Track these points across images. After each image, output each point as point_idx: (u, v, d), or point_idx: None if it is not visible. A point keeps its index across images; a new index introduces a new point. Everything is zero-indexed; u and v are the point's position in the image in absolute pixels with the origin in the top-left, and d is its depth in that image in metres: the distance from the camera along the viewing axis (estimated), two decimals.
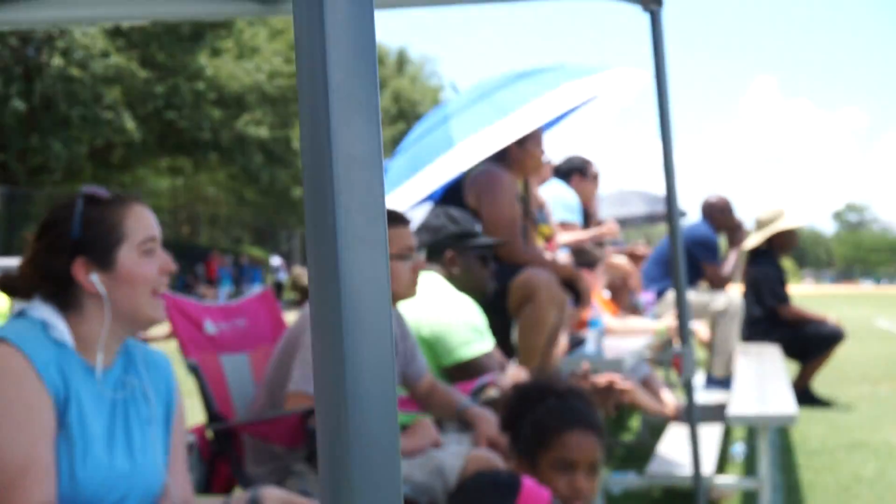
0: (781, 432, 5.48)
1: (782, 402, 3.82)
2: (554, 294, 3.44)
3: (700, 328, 6.46)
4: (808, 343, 6.85)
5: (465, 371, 2.89)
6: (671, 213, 3.08)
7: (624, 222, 9.53)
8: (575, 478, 2.04)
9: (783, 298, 6.96)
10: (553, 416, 2.10)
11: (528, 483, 1.92)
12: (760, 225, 7.13)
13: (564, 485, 2.03)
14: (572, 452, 2.05)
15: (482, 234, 3.37)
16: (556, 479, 2.03)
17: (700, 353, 6.62)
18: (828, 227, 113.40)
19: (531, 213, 4.03)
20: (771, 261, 7.06)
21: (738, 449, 4.64)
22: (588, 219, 5.63)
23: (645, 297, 6.00)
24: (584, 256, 4.77)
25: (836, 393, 7.21)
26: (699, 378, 5.69)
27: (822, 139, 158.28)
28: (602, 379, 2.89)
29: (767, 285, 6.96)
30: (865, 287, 76.36)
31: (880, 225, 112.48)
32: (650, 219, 10.50)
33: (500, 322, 3.41)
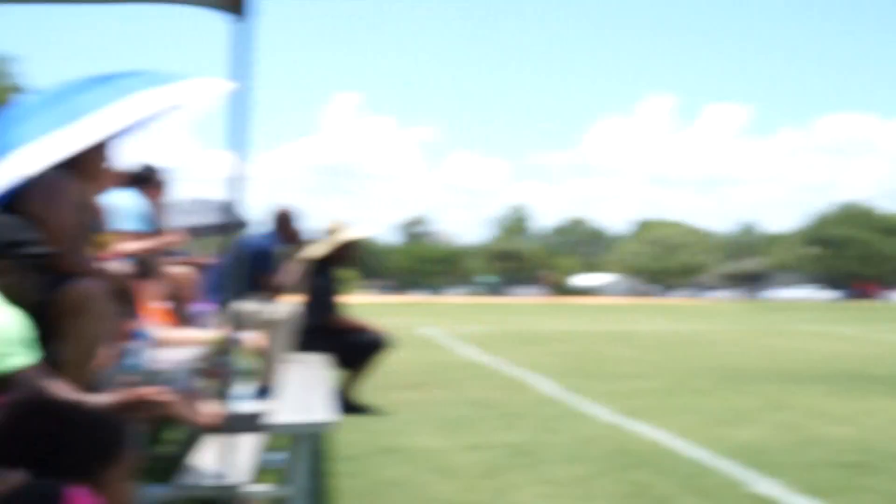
0: (320, 440, 5.88)
1: (320, 411, 4.08)
2: (101, 306, 3.45)
3: (255, 338, 6.72)
4: (353, 352, 7.47)
5: (1, 385, 2.80)
6: (232, 223, 3.23)
7: (197, 231, 9.53)
8: (132, 484, 2.18)
9: (330, 308, 7.53)
10: (111, 431, 2.17)
11: (74, 491, 1.93)
12: (326, 236, 7.64)
13: (128, 492, 2.16)
14: (132, 461, 2.17)
15: (40, 242, 3.27)
16: (123, 489, 2.13)
17: (256, 363, 6.89)
18: (394, 239, 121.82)
19: (89, 222, 3.98)
20: (327, 271, 7.58)
21: (276, 457, 4.89)
22: (157, 227, 5.63)
23: (203, 307, 6.12)
24: (141, 266, 4.78)
25: (376, 399, 7.88)
26: (250, 388, 5.93)
27: (397, 154, 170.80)
28: (142, 391, 2.96)
29: (320, 296, 7.48)
30: (421, 296, 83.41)
31: (439, 237, 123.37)
32: (223, 228, 10.57)
33: (47, 335, 3.34)
